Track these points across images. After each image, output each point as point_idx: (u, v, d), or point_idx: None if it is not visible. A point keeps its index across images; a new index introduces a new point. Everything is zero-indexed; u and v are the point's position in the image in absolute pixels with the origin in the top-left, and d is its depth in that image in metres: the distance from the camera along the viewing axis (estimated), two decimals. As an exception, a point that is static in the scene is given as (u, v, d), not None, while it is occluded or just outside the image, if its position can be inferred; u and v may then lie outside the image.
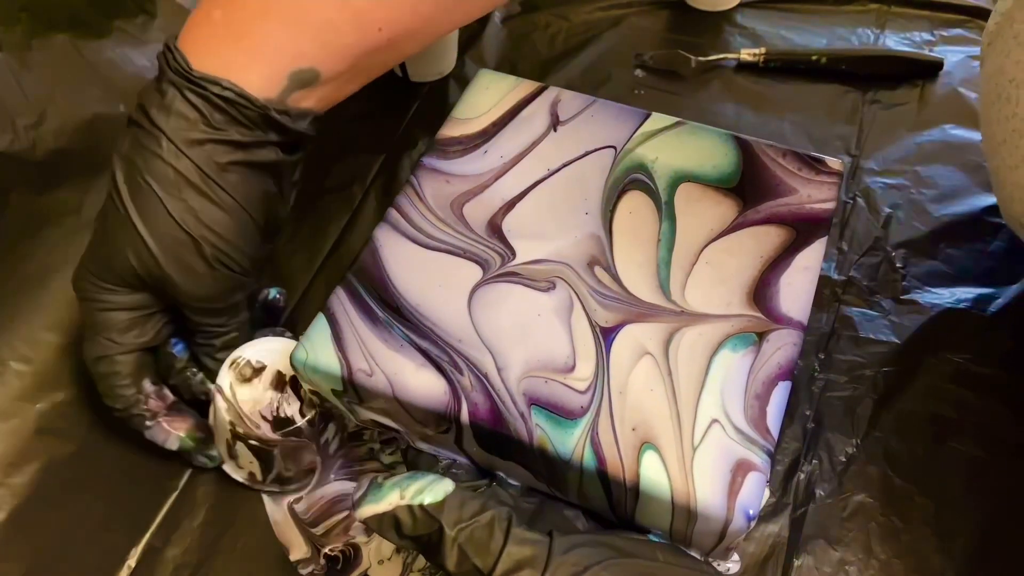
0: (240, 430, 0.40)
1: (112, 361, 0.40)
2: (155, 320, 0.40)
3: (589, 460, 0.35)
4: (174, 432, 0.41)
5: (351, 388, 0.38)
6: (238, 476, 0.43)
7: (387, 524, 0.32)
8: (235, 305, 0.41)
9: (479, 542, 0.32)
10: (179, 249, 0.37)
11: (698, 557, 0.38)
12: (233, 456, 0.42)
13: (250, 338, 0.42)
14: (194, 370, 0.42)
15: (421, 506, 0.32)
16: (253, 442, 0.40)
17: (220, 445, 0.42)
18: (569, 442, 0.35)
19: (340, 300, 0.39)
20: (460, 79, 0.61)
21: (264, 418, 0.40)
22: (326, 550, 0.41)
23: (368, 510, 0.32)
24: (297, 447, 0.41)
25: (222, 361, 0.41)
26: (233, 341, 0.41)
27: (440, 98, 0.60)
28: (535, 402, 0.36)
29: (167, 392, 0.42)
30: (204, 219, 0.37)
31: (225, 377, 0.40)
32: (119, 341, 0.40)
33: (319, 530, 0.41)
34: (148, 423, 0.41)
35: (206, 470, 0.43)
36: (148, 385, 0.41)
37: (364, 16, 0.37)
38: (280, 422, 0.40)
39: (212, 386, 0.41)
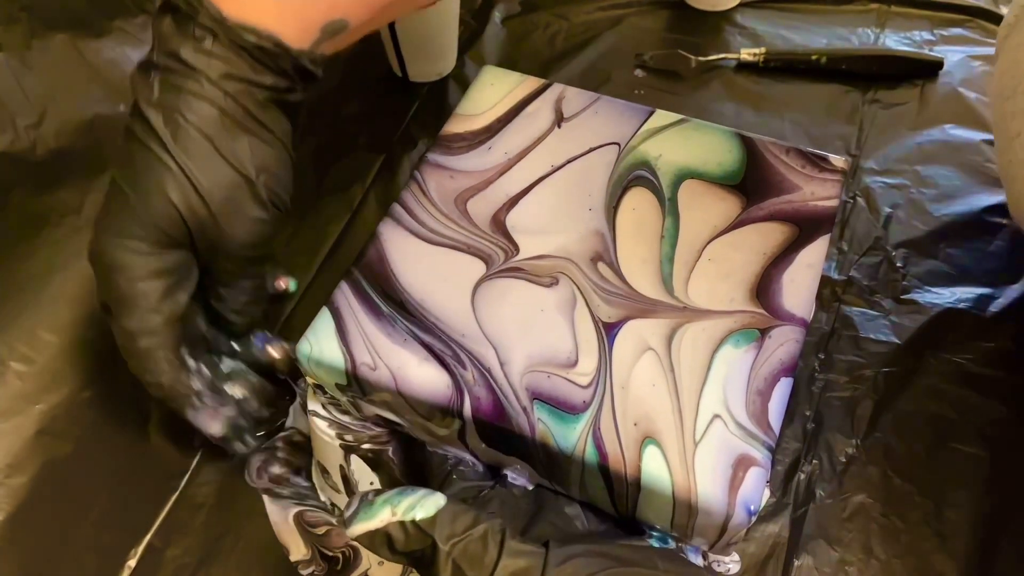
0: (350, 438, 0.40)
1: (153, 334, 0.37)
2: (186, 286, 0.38)
3: (591, 455, 0.35)
4: (223, 414, 0.39)
5: (355, 382, 0.38)
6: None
7: (379, 541, 0.32)
8: (268, 253, 0.40)
9: (473, 556, 0.31)
10: (232, 191, 0.36)
11: (699, 563, 0.38)
12: (350, 486, 0.41)
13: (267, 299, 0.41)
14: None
15: (413, 521, 0.32)
16: (367, 446, 0.40)
17: (335, 475, 0.41)
18: (571, 437, 0.35)
19: (344, 294, 0.39)
20: (460, 79, 0.61)
21: (365, 419, 0.40)
22: (327, 552, 0.41)
23: (360, 528, 0.32)
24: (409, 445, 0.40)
25: (249, 315, 0.40)
26: (260, 292, 0.40)
27: (440, 98, 0.60)
28: (537, 397, 0.36)
29: (204, 369, 0.39)
30: (256, 157, 0.36)
31: (314, 403, 0.40)
32: (159, 311, 0.36)
33: (319, 531, 0.41)
34: (196, 404, 0.38)
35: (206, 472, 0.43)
36: (190, 360, 0.38)
37: None
38: (380, 418, 0.40)
39: (309, 415, 0.40)
